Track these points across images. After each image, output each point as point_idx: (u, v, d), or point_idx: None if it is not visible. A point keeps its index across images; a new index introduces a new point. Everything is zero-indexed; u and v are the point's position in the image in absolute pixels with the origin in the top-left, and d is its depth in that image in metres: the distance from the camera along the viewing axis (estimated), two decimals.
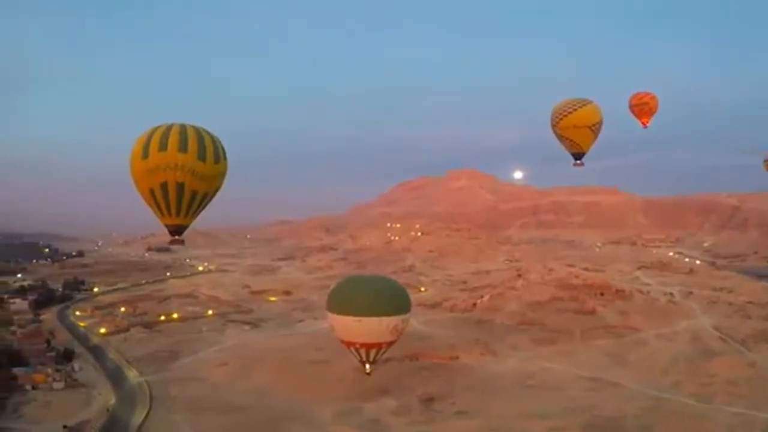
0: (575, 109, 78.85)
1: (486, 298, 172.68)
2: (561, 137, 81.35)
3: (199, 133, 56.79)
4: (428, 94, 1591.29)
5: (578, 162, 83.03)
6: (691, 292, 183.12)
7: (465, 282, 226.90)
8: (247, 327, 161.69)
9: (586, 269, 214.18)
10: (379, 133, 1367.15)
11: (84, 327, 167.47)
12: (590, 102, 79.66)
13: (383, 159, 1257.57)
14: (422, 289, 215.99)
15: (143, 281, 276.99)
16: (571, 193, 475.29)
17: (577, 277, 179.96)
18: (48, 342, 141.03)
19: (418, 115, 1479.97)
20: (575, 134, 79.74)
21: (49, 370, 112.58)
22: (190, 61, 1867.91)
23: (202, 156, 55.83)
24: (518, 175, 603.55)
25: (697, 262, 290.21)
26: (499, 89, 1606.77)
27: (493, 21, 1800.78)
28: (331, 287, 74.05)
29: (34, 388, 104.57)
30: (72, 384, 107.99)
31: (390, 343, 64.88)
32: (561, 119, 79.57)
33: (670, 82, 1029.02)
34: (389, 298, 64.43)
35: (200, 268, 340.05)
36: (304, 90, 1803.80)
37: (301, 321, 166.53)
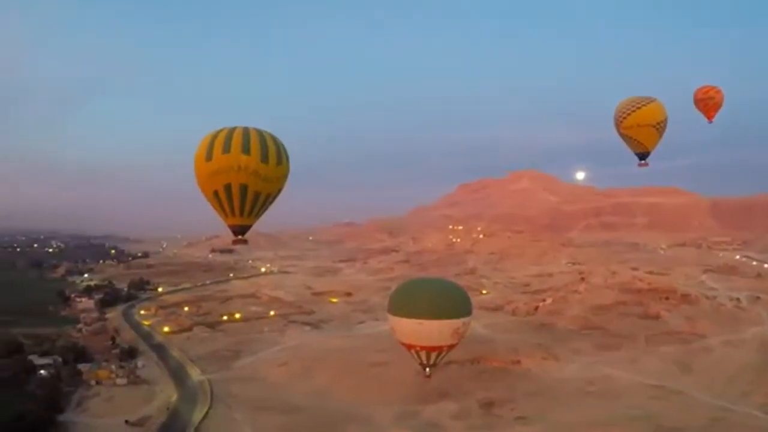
0: (639, 108, 76.93)
1: (548, 301, 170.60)
2: (625, 136, 79.48)
3: (262, 136, 57.58)
4: (489, 96, 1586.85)
5: (643, 162, 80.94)
6: (759, 298, 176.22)
7: (527, 285, 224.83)
8: (308, 328, 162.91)
9: (651, 273, 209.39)
10: (441, 136, 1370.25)
11: (148, 325, 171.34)
12: (654, 100, 77.59)
13: (445, 161, 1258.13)
14: (484, 291, 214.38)
15: (207, 282, 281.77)
16: (635, 194, 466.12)
17: (641, 280, 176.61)
18: (113, 339, 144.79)
19: (479, 117, 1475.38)
20: (639, 133, 77.82)
21: (113, 367, 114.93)
22: (258, 64, 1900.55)
23: (264, 158, 56.57)
24: (580, 175, 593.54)
25: (766, 266, 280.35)
26: (560, 89, 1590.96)
27: (553, 22, 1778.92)
28: (393, 289, 73.81)
29: (98, 383, 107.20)
30: (135, 380, 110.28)
31: (451, 347, 64.20)
32: (625, 118, 77.75)
33: (739, 79, 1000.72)
34: (450, 301, 63.76)
35: (263, 270, 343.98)
36: (367, 93, 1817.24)
37: (361, 323, 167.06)
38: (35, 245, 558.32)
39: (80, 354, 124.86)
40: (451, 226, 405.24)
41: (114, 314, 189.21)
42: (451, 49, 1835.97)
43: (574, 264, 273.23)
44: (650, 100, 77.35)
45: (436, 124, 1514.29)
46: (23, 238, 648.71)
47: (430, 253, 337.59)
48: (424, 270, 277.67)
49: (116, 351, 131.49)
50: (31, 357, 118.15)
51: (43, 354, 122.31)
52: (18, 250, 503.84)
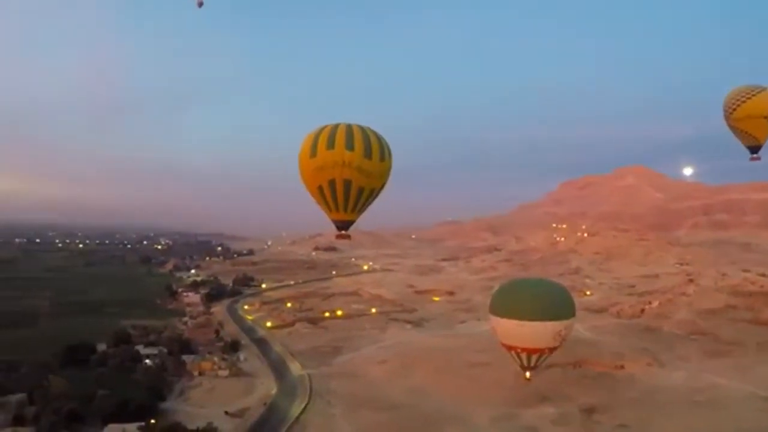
0: (750, 98, 72.85)
1: (654, 304, 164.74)
2: (735, 129, 75.48)
3: (365, 132, 58.41)
4: (593, 91, 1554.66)
5: (755, 156, 76.65)
6: None
7: (632, 286, 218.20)
8: (409, 326, 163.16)
9: (763, 275, 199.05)
10: (545, 132, 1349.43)
11: (251, 320, 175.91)
12: (766, 89, 73.80)
13: (548, 158, 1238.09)
14: (588, 292, 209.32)
15: (310, 279, 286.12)
16: (747, 190, 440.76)
17: (753, 283, 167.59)
18: (217, 333, 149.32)
19: (584, 113, 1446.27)
20: (750, 125, 73.71)
21: (216, 359, 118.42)
22: (360, 64, 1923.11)
23: (368, 154, 57.36)
24: (689, 171, 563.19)
25: None
26: (666, 81, 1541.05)
27: (656, 12, 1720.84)
28: (495, 289, 73.06)
29: (200, 374, 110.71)
30: (236, 373, 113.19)
31: (552, 349, 62.94)
32: (734, 109, 73.88)
33: None
34: (553, 303, 62.46)
35: (365, 267, 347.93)
36: (471, 91, 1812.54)
37: (463, 322, 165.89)
38: (145, 242, 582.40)
39: (185, 346, 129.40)
40: (554, 225, 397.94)
41: (219, 309, 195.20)
42: (552, 45, 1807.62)
43: (681, 265, 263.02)
44: (762, 89, 73.31)
45: (539, 120, 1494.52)
46: (134, 236, 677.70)
47: (533, 252, 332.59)
48: (527, 269, 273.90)
49: (219, 344, 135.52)
50: (138, 347, 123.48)
51: (150, 344, 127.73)
52: (128, 246, 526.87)
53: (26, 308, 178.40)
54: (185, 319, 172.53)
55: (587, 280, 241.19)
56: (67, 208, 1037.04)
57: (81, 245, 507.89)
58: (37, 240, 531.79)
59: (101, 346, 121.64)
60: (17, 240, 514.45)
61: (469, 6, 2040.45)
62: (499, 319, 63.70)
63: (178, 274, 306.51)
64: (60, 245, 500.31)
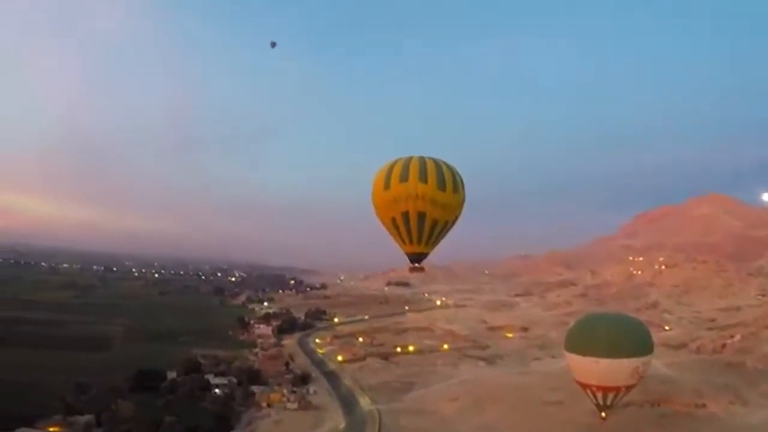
0: None
1: (736, 338, 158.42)
2: None
3: (438, 165, 58.85)
4: (662, 116, 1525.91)
5: None
6: None
7: (713, 320, 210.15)
8: (482, 363, 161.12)
9: None
10: (617, 162, 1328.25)
11: (322, 353, 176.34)
12: None
13: (623, 188, 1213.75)
14: (666, 327, 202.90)
15: (382, 314, 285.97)
16: None
17: None
18: (287, 365, 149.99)
19: (653, 139, 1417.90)
20: None
21: (285, 391, 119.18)
22: (428, 98, 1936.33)
23: (441, 186, 57.74)
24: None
25: None
26: (740, 104, 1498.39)
27: (733, 32, 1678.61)
28: (570, 325, 71.75)
29: (269, 405, 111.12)
30: (305, 406, 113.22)
31: (629, 387, 61.47)
32: None
33: None
34: (630, 338, 61.23)
35: (438, 303, 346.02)
36: (542, 119, 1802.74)
37: (537, 359, 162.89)
38: (219, 274, 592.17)
39: (254, 377, 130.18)
40: (630, 258, 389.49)
41: (290, 341, 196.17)
42: (622, 68, 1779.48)
43: (764, 296, 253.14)
44: None
45: (610, 150, 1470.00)
46: (207, 267, 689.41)
47: (609, 287, 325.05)
48: (603, 304, 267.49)
49: (289, 376, 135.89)
50: (207, 376, 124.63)
51: (219, 374, 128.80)
52: (203, 277, 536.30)
53: (101, 333, 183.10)
54: (256, 350, 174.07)
55: (665, 315, 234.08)
56: (143, 239, 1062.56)
57: (156, 275, 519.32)
58: (114, 268, 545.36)
59: (171, 374, 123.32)
60: (95, 268, 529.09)
61: (544, 35, 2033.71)
62: (574, 356, 62.56)
63: (250, 306, 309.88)
64: (136, 274, 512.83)
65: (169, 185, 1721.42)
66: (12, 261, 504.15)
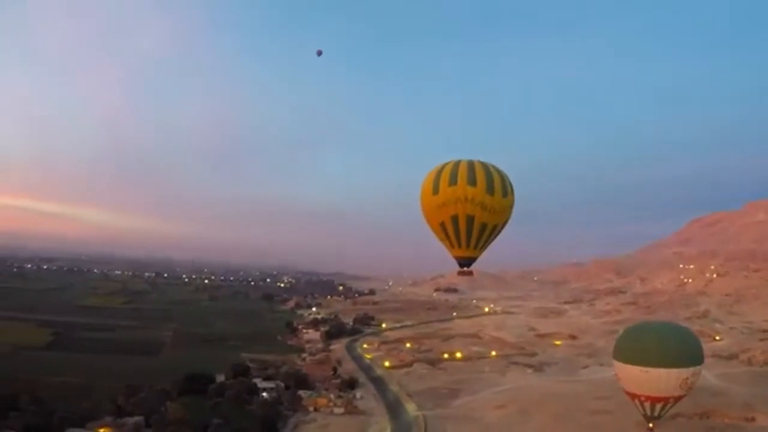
0: None
1: None
2: None
3: (487, 168, 59.06)
4: (720, 120, 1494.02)
5: None
6: None
7: (765, 330, 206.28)
8: (529, 370, 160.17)
9: None
10: (671, 167, 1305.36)
11: (369, 359, 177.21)
12: None
13: (675, 194, 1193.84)
14: (717, 337, 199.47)
15: (430, 320, 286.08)
16: None
17: None
18: (334, 370, 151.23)
19: (708, 144, 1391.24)
20: None
21: (332, 396, 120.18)
22: (477, 104, 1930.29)
23: (490, 190, 57.98)
24: None
25: None
26: None
27: None
28: (619, 333, 71.37)
29: (315, 410, 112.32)
30: (351, 410, 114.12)
31: (678, 398, 61.04)
32: None
33: None
34: (680, 348, 60.76)
35: (486, 309, 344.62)
36: (593, 128, 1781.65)
37: (585, 367, 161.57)
38: (268, 280, 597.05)
39: (302, 381, 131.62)
40: (681, 265, 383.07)
41: (338, 346, 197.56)
42: (679, 73, 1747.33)
43: None
44: None
45: (665, 155, 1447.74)
46: (257, 273, 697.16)
47: (659, 295, 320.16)
48: (653, 313, 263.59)
49: (336, 381, 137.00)
50: (255, 380, 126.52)
51: (267, 378, 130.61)
52: (252, 283, 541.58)
53: (152, 337, 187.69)
54: (304, 355, 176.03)
55: (716, 324, 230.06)
56: (194, 245, 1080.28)
57: (206, 281, 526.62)
58: (165, 274, 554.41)
59: (220, 377, 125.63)
60: (146, 274, 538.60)
61: (600, 39, 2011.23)
62: (622, 365, 62.29)
63: (299, 312, 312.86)
64: (186, 280, 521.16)
65: (219, 193, 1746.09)
66: (65, 268, 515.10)
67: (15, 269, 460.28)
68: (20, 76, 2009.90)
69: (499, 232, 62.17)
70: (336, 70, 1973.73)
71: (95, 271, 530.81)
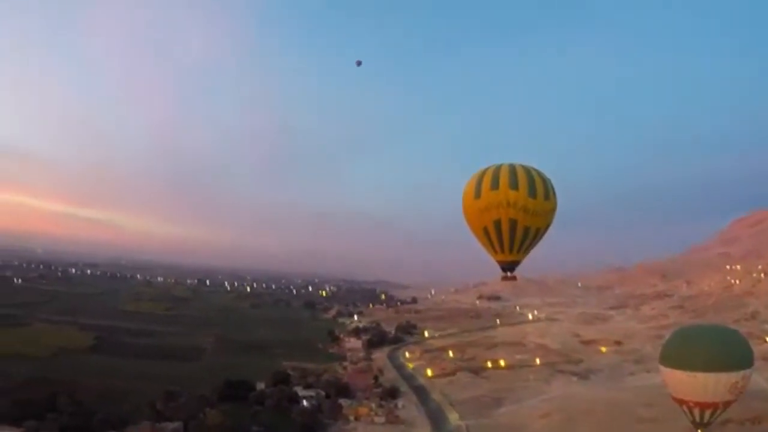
0: None
1: None
2: None
3: (528, 171, 58.74)
4: (760, 118, 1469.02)
5: None
6: None
7: None
8: (574, 378, 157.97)
9: None
10: (711, 165, 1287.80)
11: (411, 368, 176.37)
12: None
13: (715, 193, 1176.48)
14: (767, 339, 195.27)
15: (473, 328, 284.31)
16: None
17: None
18: (376, 379, 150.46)
19: (750, 142, 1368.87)
20: None
21: (373, 405, 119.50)
22: (513, 109, 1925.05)
23: (532, 193, 57.65)
24: None
25: None
26: None
27: None
28: (665, 338, 69.73)
29: (356, 419, 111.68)
30: (393, 420, 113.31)
31: (728, 403, 59.00)
32: None
33: None
34: (729, 351, 58.75)
35: (530, 317, 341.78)
36: (632, 127, 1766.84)
37: (632, 374, 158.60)
38: (310, 288, 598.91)
39: (343, 390, 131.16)
40: (728, 266, 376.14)
41: (379, 355, 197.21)
42: (718, 69, 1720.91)
43: None
44: None
45: (704, 151, 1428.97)
46: (299, 281, 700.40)
47: (705, 297, 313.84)
48: (700, 316, 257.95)
49: (378, 390, 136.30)
50: (296, 388, 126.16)
51: (308, 386, 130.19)
52: (294, 291, 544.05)
53: (192, 344, 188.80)
54: (345, 363, 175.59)
55: (766, 326, 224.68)
56: (236, 253, 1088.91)
57: (248, 288, 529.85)
58: (207, 282, 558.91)
59: (260, 385, 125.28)
60: (188, 281, 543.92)
61: (633, 35, 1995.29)
62: (669, 370, 60.52)
63: (340, 320, 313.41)
64: (228, 287, 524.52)
65: (260, 201, 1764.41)
66: (108, 274, 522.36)
67: (60, 273, 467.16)
68: (69, 83, 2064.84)
69: (542, 235, 61.72)
70: (376, 78, 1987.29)
71: (138, 277, 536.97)
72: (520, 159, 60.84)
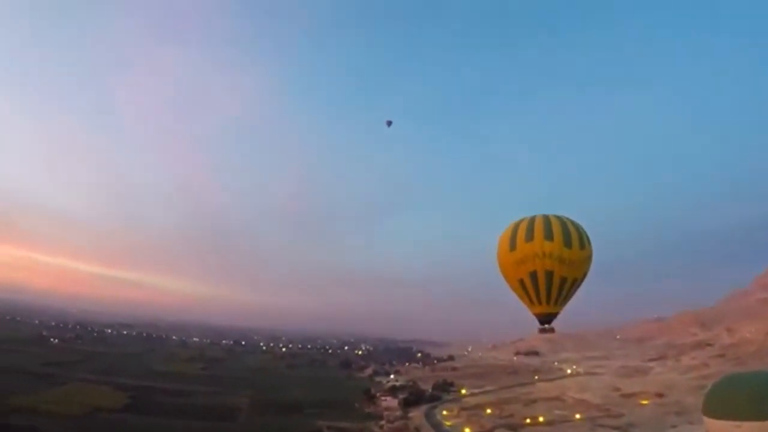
0: None
1: None
2: None
3: (563, 221, 59.07)
4: None
5: None
6: None
7: None
8: None
9: None
10: (746, 212, 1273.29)
11: (449, 426, 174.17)
12: None
13: (752, 237, 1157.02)
14: None
15: (511, 384, 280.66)
16: None
17: None
18: None
19: None
20: None
21: None
22: (546, 161, 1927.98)
23: (568, 243, 57.81)
24: None
25: None
26: None
27: None
28: (707, 388, 68.16)
29: None
30: None
31: None
32: None
33: None
34: None
35: (568, 371, 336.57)
36: (667, 175, 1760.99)
37: (674, 426, 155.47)
38: (345, 347, 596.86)
39: None
40: None
41: (416, 414, 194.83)
42: (753, 114, 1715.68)
43: None
44: None
45: (739, 198, 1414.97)
46: (335, 341, 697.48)
47: (748, 345, 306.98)
48: (743, 364, 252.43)
49: None
50: None
51: None
52: (330, 351, 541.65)
53: (228, 403, 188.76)
54: (382, 422, 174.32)
55: None
56: (271, 313, 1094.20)
57: (284, 348, 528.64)
58: (243, 342, 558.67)
59: None
60: (224, 342, 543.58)
61: (670, 88, 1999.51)
62: (713, 420, 58.57)
63: (377, 379, 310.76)
64: (264, 348, 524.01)
65: (295, 261, 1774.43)
66: (144, 335, 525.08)
67: (95, 333, 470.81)
68: (99, 142, 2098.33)
69: (579, 285, 61.48)
70: (412, 135, 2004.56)
71: (173, 337, 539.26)
72: (555, 209, 61.01)
